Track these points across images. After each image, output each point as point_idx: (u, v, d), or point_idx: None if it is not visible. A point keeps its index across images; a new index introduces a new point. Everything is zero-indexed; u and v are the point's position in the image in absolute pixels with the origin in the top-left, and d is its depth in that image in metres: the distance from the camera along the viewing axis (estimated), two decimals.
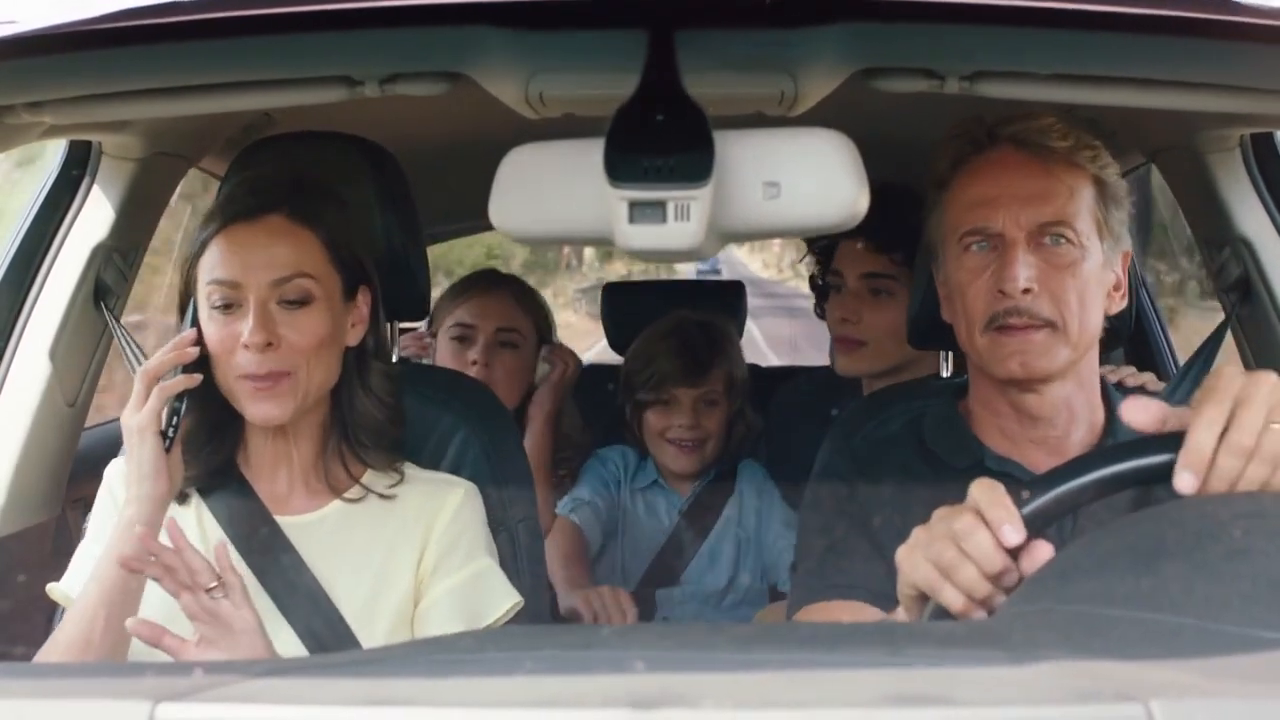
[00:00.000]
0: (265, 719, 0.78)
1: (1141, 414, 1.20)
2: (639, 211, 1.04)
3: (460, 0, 1.08)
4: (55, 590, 1.66)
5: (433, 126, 2.50)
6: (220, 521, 1.64)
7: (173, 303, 1.72)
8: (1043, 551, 1.12)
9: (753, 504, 2.50)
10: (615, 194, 1.04)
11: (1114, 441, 1.52)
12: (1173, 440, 1.15)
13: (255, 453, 1.67)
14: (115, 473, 1.68)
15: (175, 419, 1.57)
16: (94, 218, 2.11)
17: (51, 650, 1.53)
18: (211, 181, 2.41)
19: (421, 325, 2.64)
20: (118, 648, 1.51)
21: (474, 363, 2.48)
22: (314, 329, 1.57)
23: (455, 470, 1.75)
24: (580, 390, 2.67)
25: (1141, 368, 2.11)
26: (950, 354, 2.03)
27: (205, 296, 1.57)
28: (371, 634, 1.59)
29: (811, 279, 2.55)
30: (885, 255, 2.30)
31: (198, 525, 1.64)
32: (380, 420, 1.67)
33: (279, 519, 1.64)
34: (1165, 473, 1.14)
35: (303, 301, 1.57)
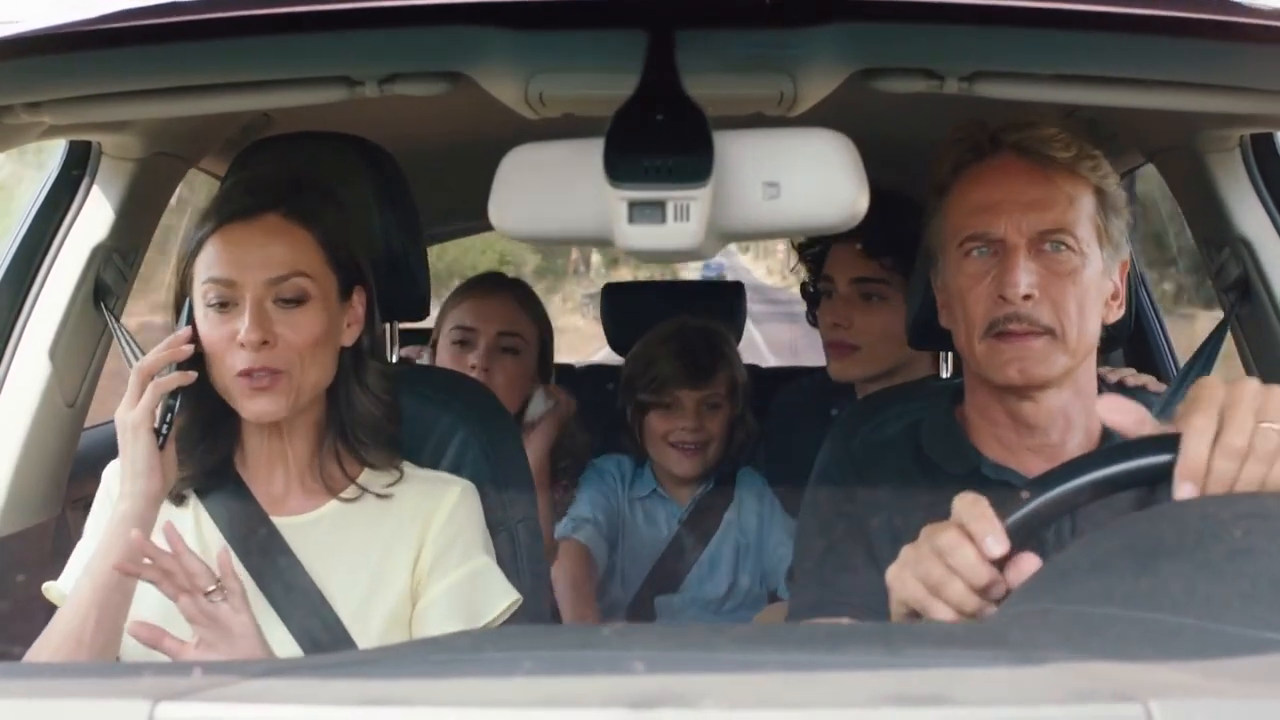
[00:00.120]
0: (265, 718, 0.78)
1: (1118, 414, 1.21)
2: (638, 211, 1.04)
3: (460, 0, 1.08)
4: (51, 590, 1.66)
5: (432, 127, 2.49)
6: (218, 523, 1.65)
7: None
8: (1029, 563, 1.13)
9: (753, 509, 2.49)
10: (615, 194, 1.04)
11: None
12: (1155, 444, 1.16)
13: (251, 453, 1.67)
14: (113, 474, 1.69)
15: (169, 416, 1.57)
16: (94, 218, 2.10)
17: (43, 647, 1.53)
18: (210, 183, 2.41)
19: (421, 324, 2.62)
20: (109, 645, 1.52)
21: (474, 367, 2.44)
22: (310, 328, 1.57)
23: (455, 471, 1.75)
24: (580, 391, 2.67)
25: (1141, 369, 2.11)
26: (950, 355, 2.03)
27: (201, 295, 1.58)
28: (367, 634, 1.59)
29: (803, 286, 2.55)
30: (875, 260, 2.31)
31: (195, 527, 1.64)
32: (378, 418, 1.67)
33: (275, 520, 1.64)
34: (1148, 476, 1.15)
35: (299, 300, 1.57)
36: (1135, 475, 1.16)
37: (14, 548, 2.02)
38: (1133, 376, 1.94)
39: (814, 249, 2.46)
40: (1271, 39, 1.06)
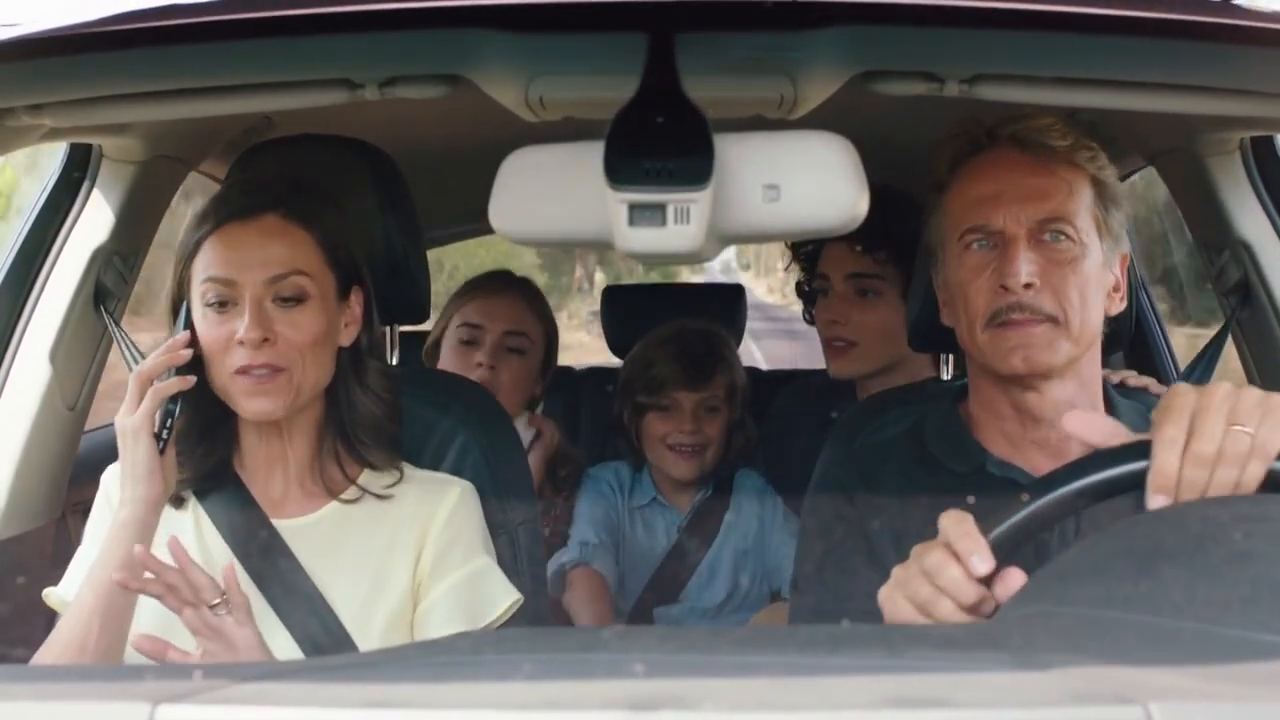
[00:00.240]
0: None
1: (1084, 428, 1.24)
2: (639, 214, 1.04)
3: (460, 3, 1.09)
4: (52, 595, 1.65)
5: (433, 129, 2.49)
6: (218, 526, 1.64)
7: None
8: (1015, 578, 1.14)
9: (753, 511, 2.47)
10: (615, 196, 1.04)
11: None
12: (1132, 453, 1.17)
13: (250, 455, 1.67)
14: (112, 478, 1.68)
15: (170, 421, 1.57)
16: (94, 221, 2.11)
17: (46, 655, 1.53)
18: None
19: (421, 327, 2.60)
20: (112, 652, 1.51)
21: (480, 365, 2.42)
22: (309, 326, 1.57)
23: (456, 474, 1.75)
24: (581, 391, 2.67)
25: (1142, 371, 2.11)
26: (950, 356, 2.03)
27: (200, 295, 1.58)
28: (368, 636, 1.59)
29: (798, 285, 2.55)
30: (870, 255, 2.31)
31: (195, 530, 1.64)
32: (379, 417, 1.67)
33: (275, 522, 1.64)
34: (1130, 483, 1.16)
35: (298, 299, 1.57)
36: (1113, 485, 1.17)
37: (14, 551, 2.02)
38: (1134, 378, 1.94)
39: (808, 247, 2.46)
40: (1272, 41, 1.06)
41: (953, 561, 1.15)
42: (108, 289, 2.11)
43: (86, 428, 2.22)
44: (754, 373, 2.98)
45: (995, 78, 1.27)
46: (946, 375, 2.02)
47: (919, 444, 1.64)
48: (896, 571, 1.21)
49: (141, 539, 1.52)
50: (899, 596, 1.19)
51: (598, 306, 3.64)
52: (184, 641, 1.47)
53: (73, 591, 1.59)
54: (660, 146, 1.03)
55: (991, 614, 1.14)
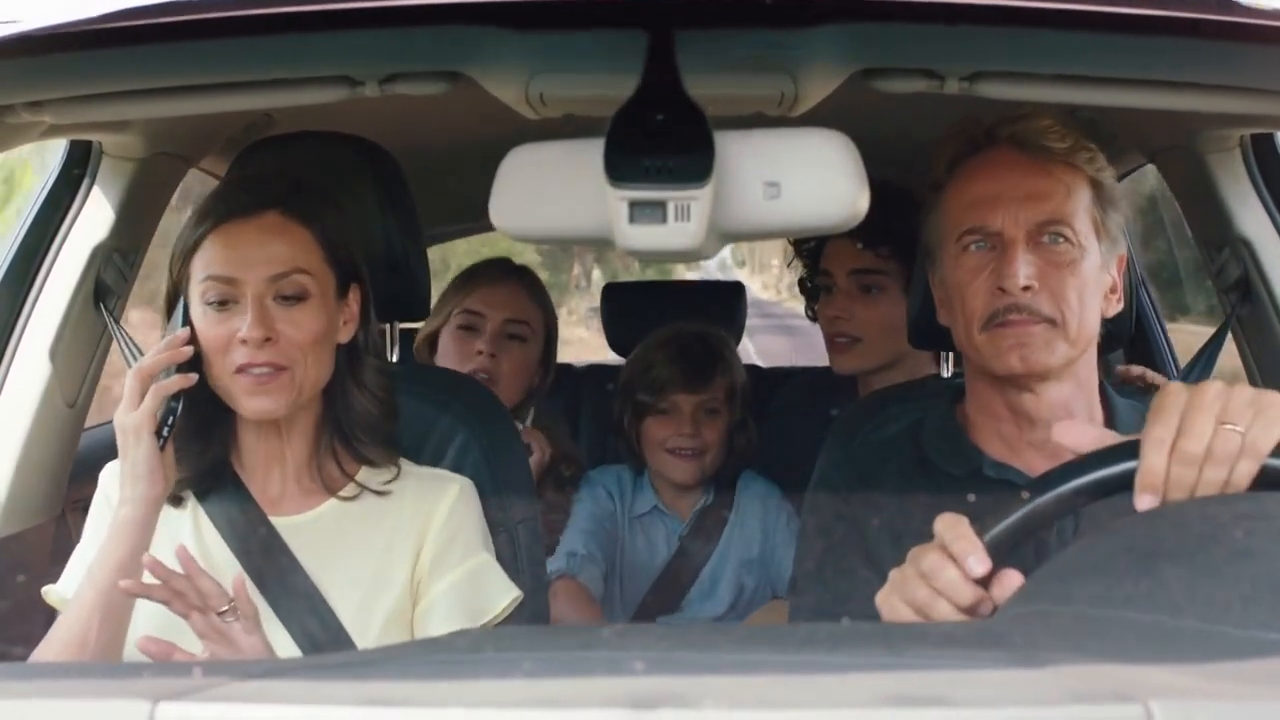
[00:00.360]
0: (265, 719, 0.78)
1: (1074, 438, 1.24)
2: (639, 212, 1.04)
3: (460, 0, 1.08)
4: (51, 593, 1.65)
5: (433, 127, 2.49)
6: (217, 525, 1.64)
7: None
8: (1012, 579, 1.14)
9: (756, 515, 2.43)
10: (615, 194, 1.04)
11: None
12: (1126, 450, 1.17)
13: (248, 453, 1.66)
14: (110, 476, 1.68)
15: (170, 419, 1.56)
16: (94, 218, 2.10)
17: (46, 652, 1.52)
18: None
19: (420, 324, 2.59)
20: (112, 650, 1.51)
21: (480, 352, 2.41)
22: (311, 324, 1.57)
23: (456, 471, 1.75)
24: (581, 390, 2.66)
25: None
26: (950, 354, 2.03)
27: (199, 294, 1.57)
28: (368, 633, 1.59)
29: (801, 282, 2.54)
30: (872, 251, 2.30)
31: (194, 529, 1.64)
32: (376, 415, 1.67)
33: (273, 520, 1.64)
34: (1121, 483, 1.16)
35: (299, 297, 1.57)
36: (1104, 486, 1.17)
37: (13, 549, 2.02)
38: (1151, 375, 1.94)
39: (810, 244, 2.46)
40: (1272, 39, 1.06)
41: (949, 563, 1.15)
42: (108, 286, 2.11)
43: (86, 425, 2.22)
44: (753, 370, 2.96)
45: (995, 75, 1.27)
46: (947, 372, 2.02)
47: (917, 445, 1.64)
48: (893, 574, 1.21)
49: (141, 537, 1.52)
50: (896, 599, 1.19)
51: (596, 303, 3.63)
52: (188, 643, 1.47)
53: (72, 589, 1.59)
54: (661, 144, 1.03)
55: (989, 615, 1.14)
